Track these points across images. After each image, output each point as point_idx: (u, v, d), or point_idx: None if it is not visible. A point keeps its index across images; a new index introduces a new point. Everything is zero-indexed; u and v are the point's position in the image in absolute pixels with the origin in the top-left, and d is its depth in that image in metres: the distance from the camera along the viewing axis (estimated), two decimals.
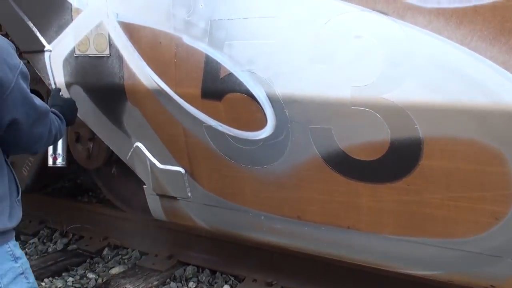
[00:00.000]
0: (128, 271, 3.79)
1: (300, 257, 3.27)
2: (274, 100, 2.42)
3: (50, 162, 2.94)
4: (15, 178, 2.11)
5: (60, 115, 2.40)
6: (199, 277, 3.60)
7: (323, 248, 2.70)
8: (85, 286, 3.69)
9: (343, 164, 2.38)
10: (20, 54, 3.39)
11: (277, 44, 2.35)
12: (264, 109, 2.46)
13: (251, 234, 2.92)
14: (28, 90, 1.97)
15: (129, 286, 3.52)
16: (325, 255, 2.78)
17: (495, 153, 2.05)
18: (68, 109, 2.69)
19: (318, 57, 2.27)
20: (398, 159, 2.25)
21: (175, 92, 2.69)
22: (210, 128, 2.66)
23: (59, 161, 2.92)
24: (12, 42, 2.04)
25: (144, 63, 2.75)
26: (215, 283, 3.49)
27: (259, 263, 3.46)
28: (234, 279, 3.49)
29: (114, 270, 3.84)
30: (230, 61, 2.49)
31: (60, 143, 2.90)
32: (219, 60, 2.52)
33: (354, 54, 2.20)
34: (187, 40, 2.60)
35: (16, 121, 1.94)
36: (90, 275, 3.82)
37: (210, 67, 2.55)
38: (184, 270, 3.69)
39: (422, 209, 2.29)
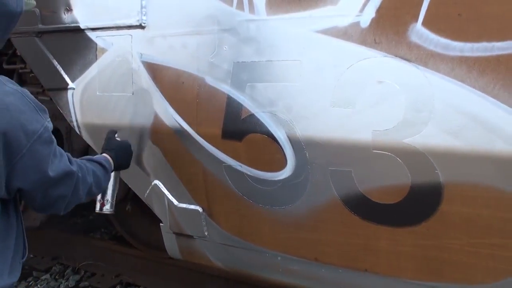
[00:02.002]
0: None
1: None
2: (294, 142, 2.45)
3: (97, 207, 2.82)
4: (24, 239, 2.04)
5: (104, 164, 2.35)
6: None
7: None
8: None
9: (362, 206, 2.39)
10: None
11: (300, 87, 2.39)
12: (284, 150, 2.48)
13: (267, 275, 2.90)
14: (48, 155, 1.91)
15: None
16: None
17: None
18: (121, 153, 2.65)
19: (340, 101, 2.31)
20: (418, 203, 2.26)
21: (196, 132, 2.72)
22: (229, 168, 2.68)
23: (106, 208, 2.79)
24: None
25: (166, 103, 2.80)
26: None
27: None
28: None
29: None
30: (251, 102, 2.53)
31: (109, 189, 2.78)
32: (240, 101, 2.56)
33: (376, 99, 2.24)
34: (209, 81, 2.66)
35: (24, 189, 1.90)
36: None
37: (232, 108, 2.59)
38: None
39: (441, 254, 2.29)
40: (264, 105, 2.50)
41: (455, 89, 2.10)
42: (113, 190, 2.81)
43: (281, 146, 2.49)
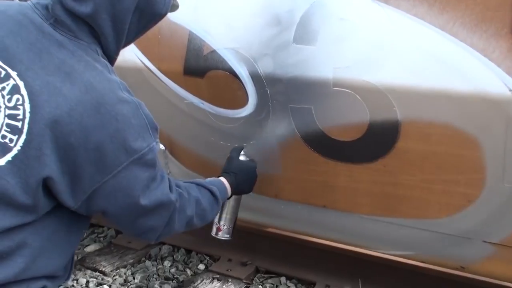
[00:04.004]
0: (104, 249, 3.78)
1: (275, 238, 3.31)
2: (256, 79, 2.45)
3: (213, 231, 2.59)
4: (72, 262, 1.84)
5: (215, 192, 2.12)
6: (174, 256, 3.62)
7: (299, 227, 2.75)
8: None
9: (321, 143, 2.42)
10: None
11: (262, 23, 2.38)
12: (246, 87, 2.49)
13: None
14: (145, 180, 1.68)
15: (104, 263, 3.51)
16: (301, 233, 2.83)
17: (470, 138, 2.11)
18: (243, 176, 2.41)
19: (301, 37, 2.30)
20: (376, 140, 2.30)
21: (158, 68, 2.70)
22: (191, 105, 2.68)
23: (221, 234, 2.58)
24: None
25: None
26: (190, 262, 3.50)
27: (234, 243, 3.49)
28: (209, 258, 3.51)
29: (89, 248, 3.83)
30: (214, 39, 2.51)
31: (228, 214, 2.54)
32: (202, 37, 2.54)
33: (337, 36, 2.24)
34: (171, 16, 2.61)
35: (109, 212, 1.70)
36: None
37: (194, 44, 2.56)
38: (160, 249, 3.70)
39: (397, 190, 2.35)
40: (226, 41, 2.48)
41: (416, 27, 2.11)
42: (232, 215, 2.57)
43: (242, 83, 2.49)
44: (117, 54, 1.80)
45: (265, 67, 2.41)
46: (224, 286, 3.05)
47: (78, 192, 1.60)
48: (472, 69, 2.04)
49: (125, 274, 3.27)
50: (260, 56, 2.42)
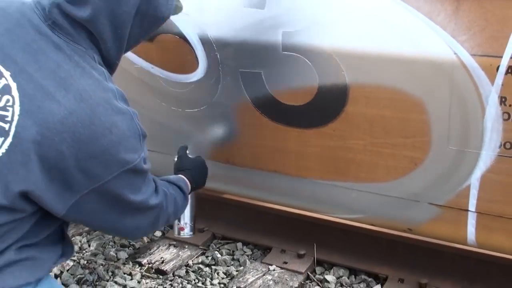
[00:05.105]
0: None
1: (231, 205, 3.32)
2: (206, 43, 2.42)
3: (175, 232, 2.60)
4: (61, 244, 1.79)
5: (184, 189, 2.13)
6: None
7: (251, 192, 2.76)
8: None
9: (272, 108, 2.42)
10: None
11: None
12: (196, 52, 2.46)
13: None
14: (134, 185, 1.67)
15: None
16: (253, 199, 2.84)
17: (416, 101, 2.13)
18: (198, 172, 2.40)
19: (251, 1, 2.28)
20: (325, 104, 2.30)
21: None
22: (141, 70, 2.64)
23: (186, 232, 2.57)
24: None
25: None
26: None
27: None
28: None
29: None
30: None
31: (188, 212, 2.52)
32: None
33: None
34: None
35: (95, 214, 1.66)
36: None
37: None
38: None
39: (346, 154, 2.36)
40: None
41: None
42: (191, 212, 2.56)
43: (192, 47, 2.46)
44: (118, 59, 1.77)
45: (215, 31, 2.39)
46: (180, 253, 3.05)
47: (65, 197, 1.55)
48: (418, 32, 2.05)
49: (80, 241, 3.24)
50: (210, 20, 2.39)
